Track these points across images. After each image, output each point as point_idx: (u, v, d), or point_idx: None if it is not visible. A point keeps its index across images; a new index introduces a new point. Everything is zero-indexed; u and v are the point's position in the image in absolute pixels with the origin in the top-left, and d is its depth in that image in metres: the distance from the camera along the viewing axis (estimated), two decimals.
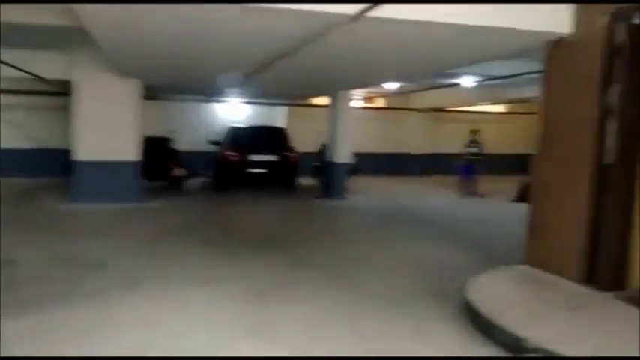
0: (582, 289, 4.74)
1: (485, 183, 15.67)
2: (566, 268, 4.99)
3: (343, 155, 12.09)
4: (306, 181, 14.47)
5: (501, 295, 4.80)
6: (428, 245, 7.37)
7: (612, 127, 4.70)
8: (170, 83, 11.78)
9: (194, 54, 7.23)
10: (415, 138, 18.35)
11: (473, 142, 13.02)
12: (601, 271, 4.77)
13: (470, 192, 12.65)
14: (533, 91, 12.87)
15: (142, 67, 8.80)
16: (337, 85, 11.30)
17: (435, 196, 12.71)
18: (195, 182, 13.99)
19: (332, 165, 12.17)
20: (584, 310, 4.26)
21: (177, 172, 12.17)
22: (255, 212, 10.34)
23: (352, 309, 4.65)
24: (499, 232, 8.41)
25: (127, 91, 10.21)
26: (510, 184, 16.22)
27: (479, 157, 12.92)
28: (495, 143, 18.73)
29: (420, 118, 18.21)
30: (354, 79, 10.19)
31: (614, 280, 4.74)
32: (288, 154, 12.32)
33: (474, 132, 13.10)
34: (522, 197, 12.02)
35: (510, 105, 19.25)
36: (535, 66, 9.43)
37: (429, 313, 4.58)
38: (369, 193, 13.18)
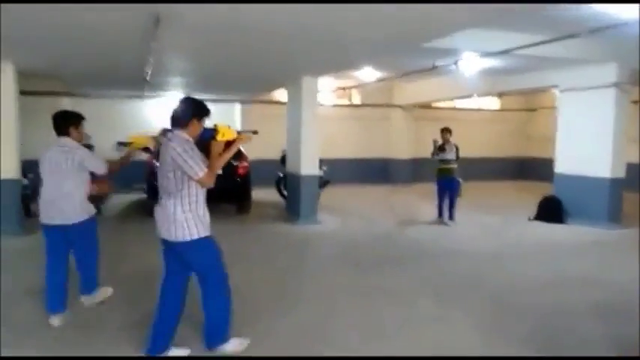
0: None
1: (482, 192, 13.02)
2: None
3: (311, 165, 9.04)
4: (267, 194, 11.43)
5: None
6: (453, 322, 4.42)
7: None
8: (71, 72, 8.59)
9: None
10: (398, 140, 15.48)
11: (446, 145, 8.88)
12: None
13: (449, 217, 8.95)
14: (540, 80, 10.65)
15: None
16: (299, 69, 8.28)
17: (427, 216, 9.59)
18: (127, 200, 10.92)
19: (296, 178, 9.13)
20: None
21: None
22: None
23: None
24: (550, 282, 5.54)
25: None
26: (513, 193, 13.98)
27: (455, 166, 8.95)
28: (484, 145, 16.30)
29: (404, 116, 15.34)
30: (321, 58, 7.23)
31: None
32: (237, 163, 9.20)
33: (448, 131, 8.97)
34: (543, 213, 9.38)
35: (504, 101, 16.77)
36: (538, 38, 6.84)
37: None
38: (347, 211, 10.19)
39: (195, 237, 3.29)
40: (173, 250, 3.38)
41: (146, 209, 9.64)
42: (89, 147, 5.11)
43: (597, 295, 5.00)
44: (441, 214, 9.03)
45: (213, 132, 3.39)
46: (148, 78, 7.83)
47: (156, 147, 4.57)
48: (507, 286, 5.34)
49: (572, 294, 5.08)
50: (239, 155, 9.31)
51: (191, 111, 3.37)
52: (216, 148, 3.39)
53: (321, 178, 9.93)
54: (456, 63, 7.66)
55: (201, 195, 3.35)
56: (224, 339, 3.58)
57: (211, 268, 3.46)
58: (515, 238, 7.86)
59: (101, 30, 5.29)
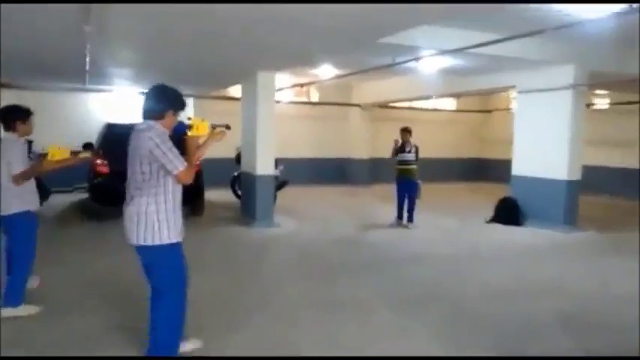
0: None
1: (439, 194, 13.04)
2: None
3: (267, 164, 8.63)
4: (221, 194, 10.97)
5: None
6: (413, 334, 4.15)
7: None
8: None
9: None
10: (356, 139, 15.27)
11: (405, 146, 8.67)
12: None
13: (408, 219, 8.75)
14: (498, 80, 10.25)
15: None
16: (254, 63, 7.87)
17: (386, 218, 9.29)
18: (66, 201, 10.18)
19: (251, 178, 8.71)
20: None
21: None
22: (101, 272, 5.64)
23: None
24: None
25: None
26: (471, 195, 13.68)
27: (415, 167, 8.73)
28: (442, 146, 16.35)
29: (362, 116, 15.14)
30: (276, 53, 6.89)
31: None
32: None
33: (407, 131, 8.76)
34: (500, 216, 9.33)
35: (460, 103, 16.86)
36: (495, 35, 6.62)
37: None
38: (305, 213, 9.84)
39: (166, 242, 3.00)
40: (139, 254, 3.08)
41: (87, 212, 9.02)
42: (29, 142, 4.85)
43: (560, 304, 4.85)
44: (400, 216, 8.83)
45: (185, 126, 3.16)
46: (87, 67, 7.23)
47: (76, 162, 4.70)
48: (468, 295, 5.13)
49: (535, 302, 4.91)
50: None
51: (167, 102, 3.09)
52: (192, 142, 3.14)
53: (277, 178, 9.56)
54: (415, 60, 7.44)
55: (178, 193, 3.08)
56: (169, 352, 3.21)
57: (171, 281, 3.14)
58: (474, 242, 7.73)
59: (30, 10, 4.74)
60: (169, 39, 6.14)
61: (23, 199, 4.23)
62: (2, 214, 4.17)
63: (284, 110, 13.76)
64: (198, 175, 8.97)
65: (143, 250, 3.05)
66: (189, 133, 3.15)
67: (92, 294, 4.83)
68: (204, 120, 3.25)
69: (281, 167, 9.81)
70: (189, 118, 3.20)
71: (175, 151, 2.96)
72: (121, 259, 6.10)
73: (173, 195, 3.04)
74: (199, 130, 3.18)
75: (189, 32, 5.72)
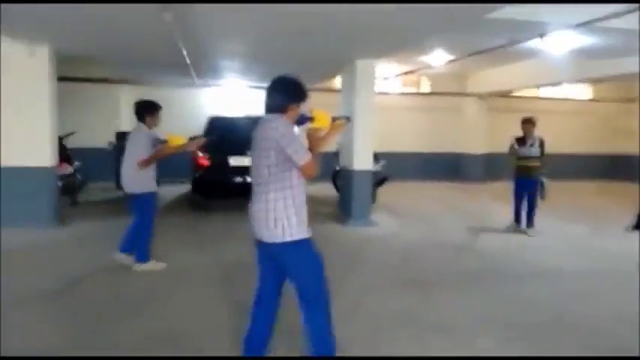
0: None
1: (568, 194, 11.42)
2: None
3: (365, 159, 8.02)
4: (320, 188, 10.60)
5: None
6: None
7: None
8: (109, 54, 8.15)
9: None
10: (471, 133, 14.03)
11: (528, 139, 7.53)
12: None
13: (527, 223, 7.56)
14: None
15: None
16: (353, 50, 7.29)
17: (502, 221, 8.14)
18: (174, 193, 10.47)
19: (349, 174, 8.17)
20: None
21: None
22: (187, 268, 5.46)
23: None
24: None
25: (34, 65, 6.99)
26: (606, 197, 11.86)
27: (537, 164, 7.52)
28: (572, 140, 14.46)
29: (478, 106, 13.85)
30: (375, 37, 6.25)
31: None
32: None
33: (530, 122, 7.58)
34: None
35: (597, 90, 14.73)
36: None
37: None
38: (408, 212, 9.08)
39: (296, 238, 2.83)
40: (269, 253, 2.92)
41: (193, 204, 9.17)
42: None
43: None
44: (518, 219, 7.70)
45: (308, 118, 3.03)
46: (187, 61, 7.22)
47: (194, 145, 5.46)
48: (604, 324, 4.09)
49: None
50: None
51: (287, 95, 2.94)
52: (314, 134, 3.01)
53: (378, 174, 8.92)
54: (541, 37, 6.33)
55: (303, 187, 2.92)
56: (331, 349, 2.98)
57: (311, 277, 2.94)
58: (611, 254, 6.43)
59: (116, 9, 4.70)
60: (270, 29, 5.87)
61: (147, 183, 5.02)
62: (132, 192, 5.02)
63: (392, 102, 13.06)
64: None
65: (276, 248, 2.86)
66: (311, 125, 3.01)
67: (183, 289, 4.66)
68: (324, 112, 3.05)
69: (382, 162, 9.15)
70: (312, 110, 3.04)
71: (301, 142, 2.82)
72: (213, 254, 5.97)
73: (299, 189, 2.87)
74: (321, 122, 3.04)
75: (288, 21, 5.39)
